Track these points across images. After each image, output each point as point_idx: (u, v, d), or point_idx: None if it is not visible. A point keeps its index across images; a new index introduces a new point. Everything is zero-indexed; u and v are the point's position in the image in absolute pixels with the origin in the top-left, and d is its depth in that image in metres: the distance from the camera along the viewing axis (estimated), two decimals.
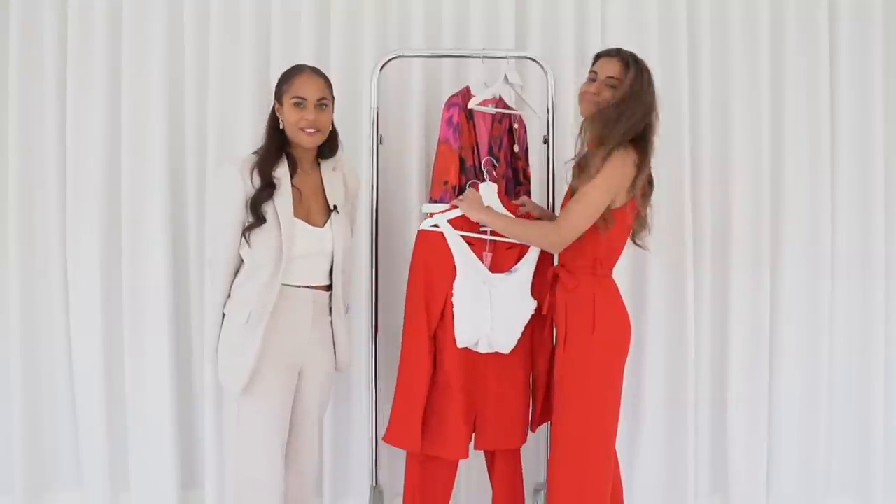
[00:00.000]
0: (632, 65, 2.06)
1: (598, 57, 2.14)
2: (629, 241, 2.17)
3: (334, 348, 2.14)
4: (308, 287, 2.04)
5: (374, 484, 2.49)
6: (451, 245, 2.20)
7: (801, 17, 2.74)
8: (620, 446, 2.29)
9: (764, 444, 2.77)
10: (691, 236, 2.72)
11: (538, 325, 2.26)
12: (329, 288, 2.09)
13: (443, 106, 2.36)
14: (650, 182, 2.11)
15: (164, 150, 2.66)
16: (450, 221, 2.21)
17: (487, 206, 2.19)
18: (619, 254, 2.14)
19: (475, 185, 2.22)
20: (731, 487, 2.77)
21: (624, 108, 2.02)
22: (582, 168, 2.07)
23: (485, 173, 2.24)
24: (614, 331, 2.09)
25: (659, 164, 2.10)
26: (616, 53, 2.10)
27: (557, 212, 2.34)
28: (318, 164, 2.12)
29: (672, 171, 2.66)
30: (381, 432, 2.56)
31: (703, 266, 2.75)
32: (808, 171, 2.76)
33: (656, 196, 2.16)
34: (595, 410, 2.05)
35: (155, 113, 2.65)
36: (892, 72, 2.78)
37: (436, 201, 2.29)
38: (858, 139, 2.77)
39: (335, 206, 2.07)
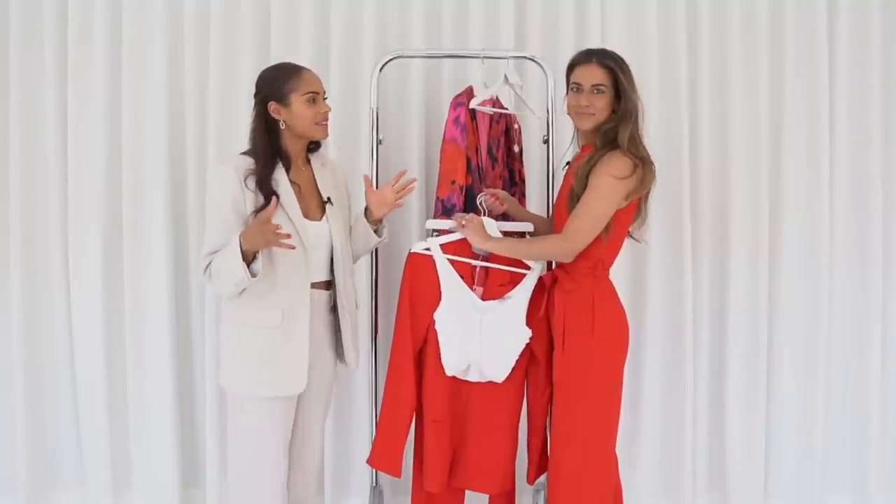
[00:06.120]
0: (614, 66, 2.01)
1: (573, 65, 2.08)
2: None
3: (335, 347, 2.13)
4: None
5: (374, 484, 2.50)
6: (439, 271, 2.15)
7: (799, 15, 2.74)
8: (619, 444, 2.29)
9: (762, 442, 2.78)
10: (690, 235, 2.73)
11: (533, 366, 2.21)
12: (329, 285, 2.09)
13: (443, 106, 2.37)
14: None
15: (164, 151, 2.66)
16: (444, 246, 2.16)
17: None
18: (618, 252, 2.13)
19: (478, 213, 2.19)
20: (729, 485, 2.79)
21: (624, 112, 2.00)
22: (580, 172, 2.03)
23: (483, 209, 2.20)
24: (614, 332, 2.08)
25: (658, 161, 2.08)
26: (592, 58, 2.04)
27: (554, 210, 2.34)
28: (309, 160, 2.12)
29: (671, 169, 2.66)
30: None
31: (702, 265, 2.75)
32: (807, 168, 2.77)
33: (656, 194, 2.13)
34: (596, 413, 2.04)
35: (155, 113, 2.65)
36: (890, 70, 2.79)
37: (443, 200, 2.29)
38: (856, 135, 2.78)
39: (328, 199, 2.07)
